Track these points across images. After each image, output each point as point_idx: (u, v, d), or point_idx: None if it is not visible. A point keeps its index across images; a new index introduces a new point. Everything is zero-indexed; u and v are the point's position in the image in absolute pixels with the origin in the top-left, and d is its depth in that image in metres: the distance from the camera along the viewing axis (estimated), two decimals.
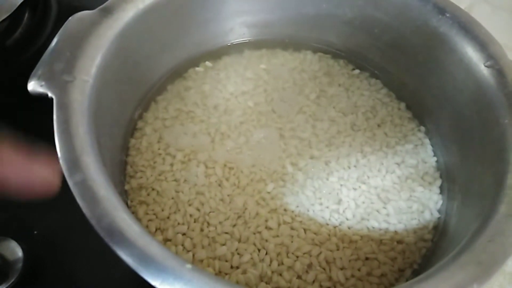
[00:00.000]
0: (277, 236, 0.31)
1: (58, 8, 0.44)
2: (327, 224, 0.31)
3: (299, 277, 0.29)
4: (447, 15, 0.32)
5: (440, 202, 0.34)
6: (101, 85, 0.27)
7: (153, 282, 0.19)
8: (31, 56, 0.40)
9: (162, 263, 0.20)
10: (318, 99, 0.38)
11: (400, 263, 0.31)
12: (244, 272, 0.29)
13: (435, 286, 0.21)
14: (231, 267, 0.29)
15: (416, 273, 0.30)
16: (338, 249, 0.31)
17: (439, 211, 0.33)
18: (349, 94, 0.39)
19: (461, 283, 0.21)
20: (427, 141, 0.37)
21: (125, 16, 0.30)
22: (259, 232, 0.31)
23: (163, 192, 0.32)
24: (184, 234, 0.31)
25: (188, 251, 0.30)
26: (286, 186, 0.33)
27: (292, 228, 0.31)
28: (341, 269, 0.30)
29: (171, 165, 0.34)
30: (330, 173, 0.34)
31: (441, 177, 0.35)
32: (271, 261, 0.30)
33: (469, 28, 0.31)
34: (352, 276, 0.30)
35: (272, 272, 0.29)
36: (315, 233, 0.31)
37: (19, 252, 0.29)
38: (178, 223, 0.31)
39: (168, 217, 0.31)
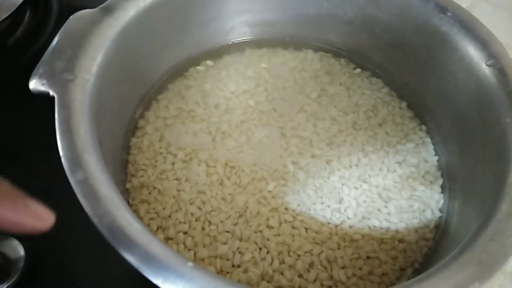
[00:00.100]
0: (278, 235, 0.31)
1: (59, 7, 0.44)
2: (328, 223, 0.31)
3: (300, 276, 0.29)
4: (448, 14, 0.32)
5: (442, 201, 0.34)
6: (102, 83, 0.27)
7: (154, 281, 0.19)
8: (32, 55, 0.40)
9: (164, 262, 0.20)
10: (319, 98, 0.38)
11: (401, 262, 0.31)
12: (246, 271, 0.29)
13: (436, 285, 0.21)
14: (233, 265, 0.29)
15: (417, 272, 0.30)
16: (339, 248, 0.31)
17: (440, 210, 0.33)
18: (350, 93, 0.39)
19: (462, 282, 0.21)
20: (428, 140, 0.37)
21: (126, 15, 0.30)
22: (260, 231, 0.31)
23: (165, 191, 0.32)
24: (185, 232, 0.31)
25: (190, 249, 0.30)
26: (287, 185, 0.33)
27: (293, 227, 0.31)
28: (342, 268, 0.30)
29: (172, 164, 0.34)
30: (331, 172, 0.34)
31: (442, 176, 0.35)
32: (272, 260, 0.30)
33: (470, 27, 0.31)
34: (353, 275, 0.30)
35: (274, 271, 0.29)
36: (316, 232, 0.31)
37: (21, 251, 0.29)
38: (180, 222, 0.31)
39: (169, 216, 0.31)
